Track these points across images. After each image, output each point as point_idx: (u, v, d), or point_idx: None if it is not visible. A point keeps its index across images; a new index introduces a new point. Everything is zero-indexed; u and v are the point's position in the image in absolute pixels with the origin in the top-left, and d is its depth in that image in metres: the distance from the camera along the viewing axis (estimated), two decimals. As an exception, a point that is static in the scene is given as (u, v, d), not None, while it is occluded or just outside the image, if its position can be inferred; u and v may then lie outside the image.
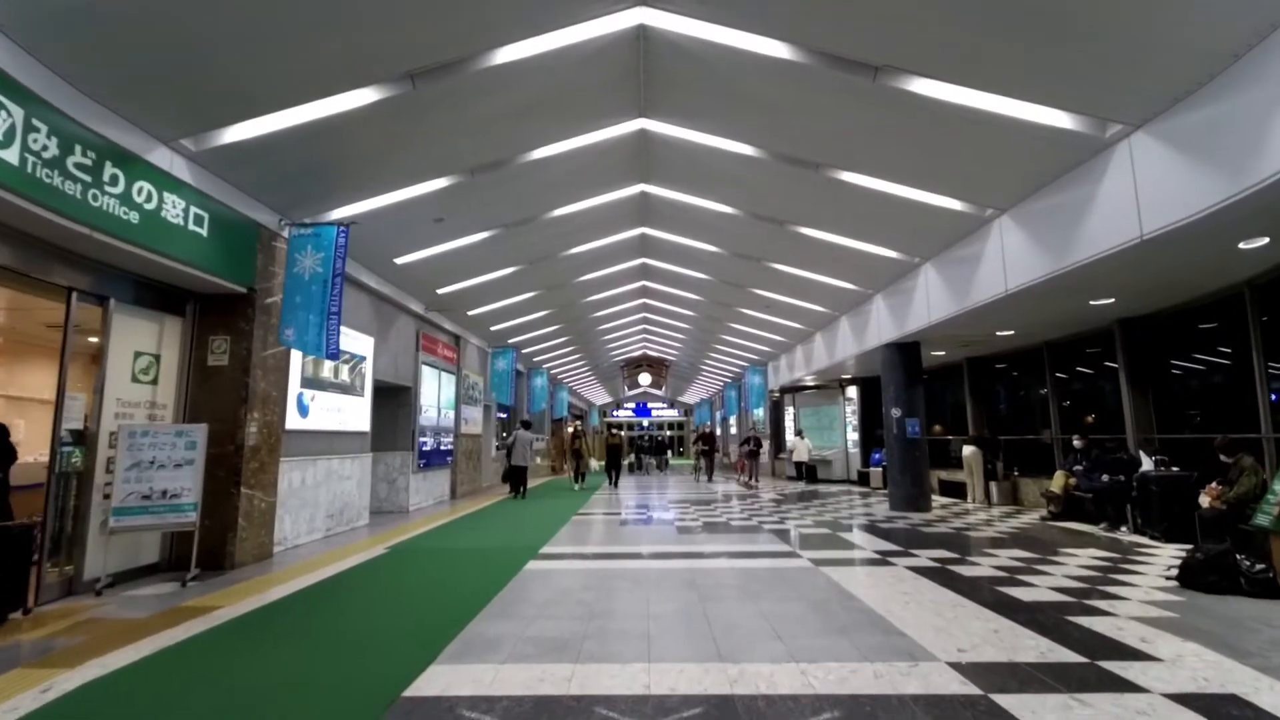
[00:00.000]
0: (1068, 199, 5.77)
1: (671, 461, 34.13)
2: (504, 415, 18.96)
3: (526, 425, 14.09)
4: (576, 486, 14.40)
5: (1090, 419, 9.71)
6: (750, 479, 15.66)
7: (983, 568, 5.59)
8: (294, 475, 7.06)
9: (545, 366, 20.98)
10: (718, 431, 29.18)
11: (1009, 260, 6.75)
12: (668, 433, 45.50)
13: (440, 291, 10.43)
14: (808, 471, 16.35)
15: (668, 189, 8.38)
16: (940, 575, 5.27)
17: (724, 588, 4.92)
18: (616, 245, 10.67)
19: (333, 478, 7.91)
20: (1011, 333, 9.42)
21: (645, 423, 45.01)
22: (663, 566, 5.80)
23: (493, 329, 13.97)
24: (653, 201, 8.91)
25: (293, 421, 7.05)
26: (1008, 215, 6.77)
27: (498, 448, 16.58)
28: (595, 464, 14.55)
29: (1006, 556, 6.09)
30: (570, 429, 15.36)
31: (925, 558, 6.05)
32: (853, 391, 16.17)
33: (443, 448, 12.10)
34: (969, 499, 11.14)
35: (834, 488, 14.86)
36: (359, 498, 8.63)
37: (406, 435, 10.65)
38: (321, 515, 7.67)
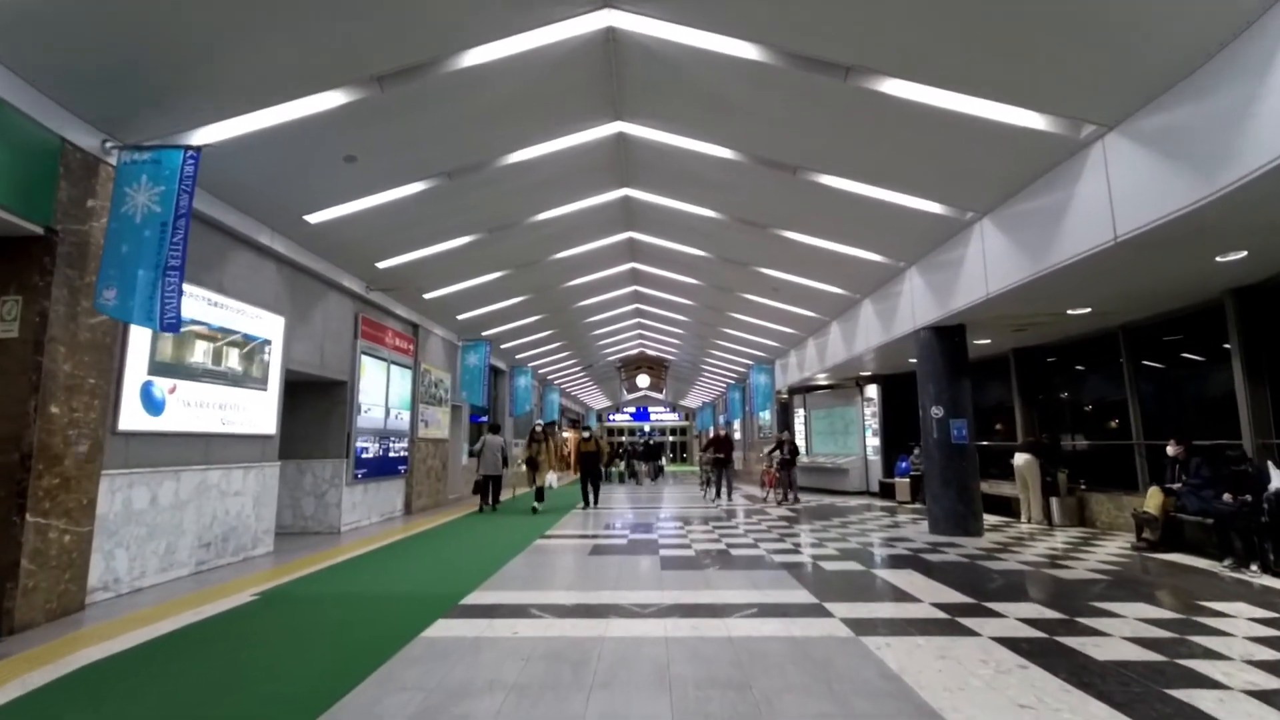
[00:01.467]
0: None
1: (669, 468, 32.04)
2: (483, 419, 17.09)
3: (495, 429, 12.32)
4: (538, 507, 10.99)
5: (1182, 426, 7.76)
6: (784, 495, 12.45)
7: (1114, 641, 3.67)
8: (135, 493, 5.20)
9: (531, 365, 19.13)
10: (735, 435, 27.08)
11: (1118, 195, 4.86)
12: (668, 438, 43.59)
13: (381, 265, 8.60)
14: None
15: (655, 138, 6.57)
16: (1056, 659, 3.36)
17: (714, 687, 3.03)
18: (596, 214, 8.84)
19: (209, 495, 6.05)
20: (1087, 310, 7.51)
21: (647, 427, 43.09)
22: (628, 634, 3.90)
23: (460, 318, 12.15)
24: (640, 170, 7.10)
25: (135, 421, 5.20)
26: (1114, 134, 4.90)
27: (470, 454, 14.71)
28: (553, 478, 11.66)
29: (1133, 617, 4.16)
30: (535, 428, 12.33)
31: (1014, 618, 4.13)
32: (872, 391, 14.25)
33: (393, 454, 10.25)
34: (1023, 517, 9.19)
35: (851, 500, 12.90)
36: (257, 519, 6.76)
37: (340, 439, 8.79)
38: (188, 545, 5.80)
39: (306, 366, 7.89)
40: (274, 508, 7.12)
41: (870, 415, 14.22)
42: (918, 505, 11.60)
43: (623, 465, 20.93)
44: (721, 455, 13.54)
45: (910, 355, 11.25)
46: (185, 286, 5.61)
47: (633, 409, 41.82)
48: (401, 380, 10.69)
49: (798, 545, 7.23)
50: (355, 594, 5.02)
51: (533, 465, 11.53)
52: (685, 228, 9.35)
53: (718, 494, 13.47)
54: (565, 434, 34.84)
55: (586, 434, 12.13)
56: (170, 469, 5.57)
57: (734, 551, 6.86)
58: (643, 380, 31.21)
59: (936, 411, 8.10)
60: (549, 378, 22.95)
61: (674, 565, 6.08)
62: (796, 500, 12.35)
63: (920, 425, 8.44)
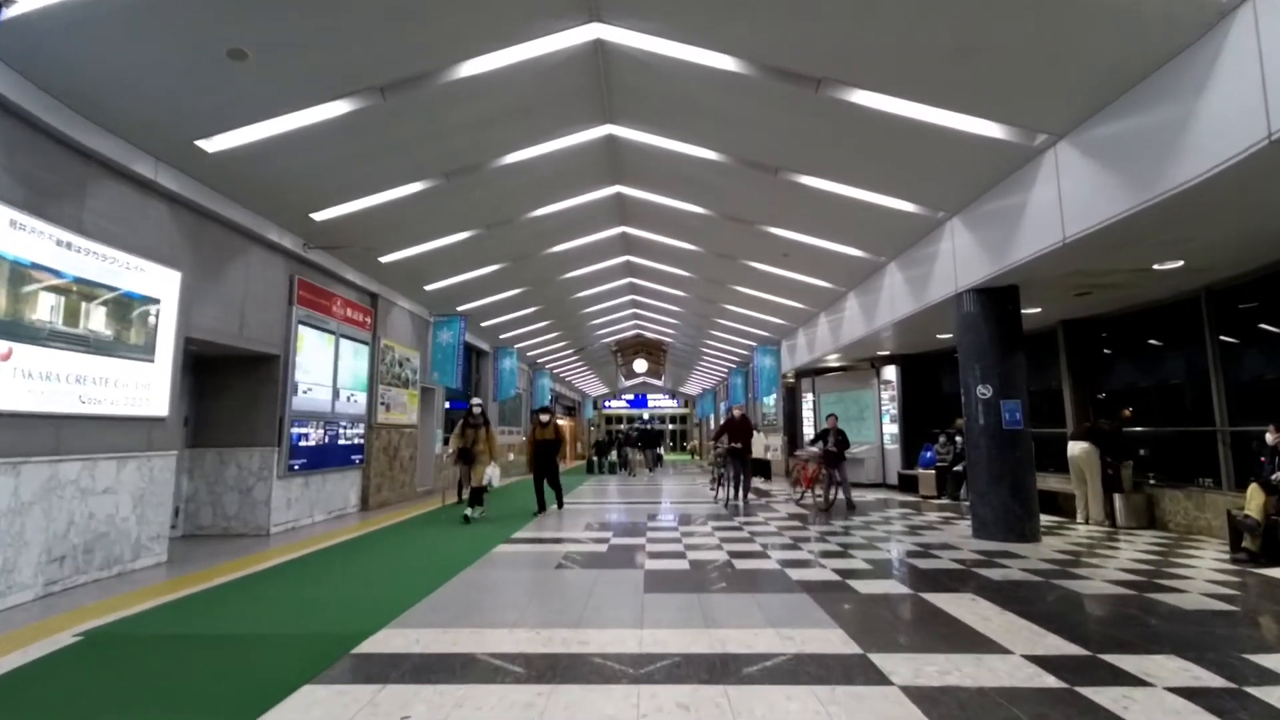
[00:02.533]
0: None
1: (668, 457, 30.42)
2: (461, 404, 15.69)
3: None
4: (473, 514, 8.20)
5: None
6: (827, 498, 9.39)
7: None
8: (-77, 494, 3.83)
9: (517, 347, 17.73)
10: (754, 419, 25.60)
11: (1272, 84, 3.44)
12: (667, 425, 42.30)
13: (319, 218, 7.18)
14: (758, 470, 15.80)
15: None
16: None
17: None
18: (581, 166, 7.39)
19: (62, 494, 4.68)
20: (1178, 264, 6.08)
21: (645, 415, 41.78)
22: (576, 709, 2.53)
23: (429, 289, 10.73)
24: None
25: (-79, 394, 3.81)
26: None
27: (445, 441, 13.36)
28: (492, 473, 8.76)
29: (1340, 686, 2.78)
30: (472, 407, 8.93)
31: (1163, 687, 2.75)
32: (890, 372, 12.84)
33: (344, 442, 8.88)
34: (1079, 516, 7.82)
35: (866, 494, 11.54)
36: (139, 523, 5.39)
37: (270, 425, 7.41)
38: (32, 560, 4.44)
39: (218, 335, 6.49)
40: (168, 508, 5.75)
41: (888, 399, 12.83)
42: (945, 501, 10.22)
43: (614, 454, 19.41)
44: (739, 445, 9.99)
45: (939, 330, 9.86)
46: (21, 216, 4.23)
47: (631, 396, 40.48)
48: (356, 357, 9.30)
49: (816, 554, 5.86)
50: (214, 635, 3.65)
51: (465, 459, 8.58)
52: (682, 180, 7.93)
53: (735, 493, 9.95)
54: (560, 421, 33.60)
55: (545, 417, 9.12)
56: (2, 461, 4.21)
57: (739, 564, 5.48)
58: (640, 365, 29.81)
59: (984, 391, 6.69)
60: (539, 361, 21.56)
61: (662, 585, 4.71)
62: (851, 507, 9.28)
63: (963, 409, 7.03)
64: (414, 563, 5.64)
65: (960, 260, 6.95)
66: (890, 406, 12.76)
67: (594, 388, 37.50)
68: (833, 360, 13.85)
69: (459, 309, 12.36)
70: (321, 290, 8.34)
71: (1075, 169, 5.10)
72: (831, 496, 9.45)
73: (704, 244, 10.41)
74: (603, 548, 6.30)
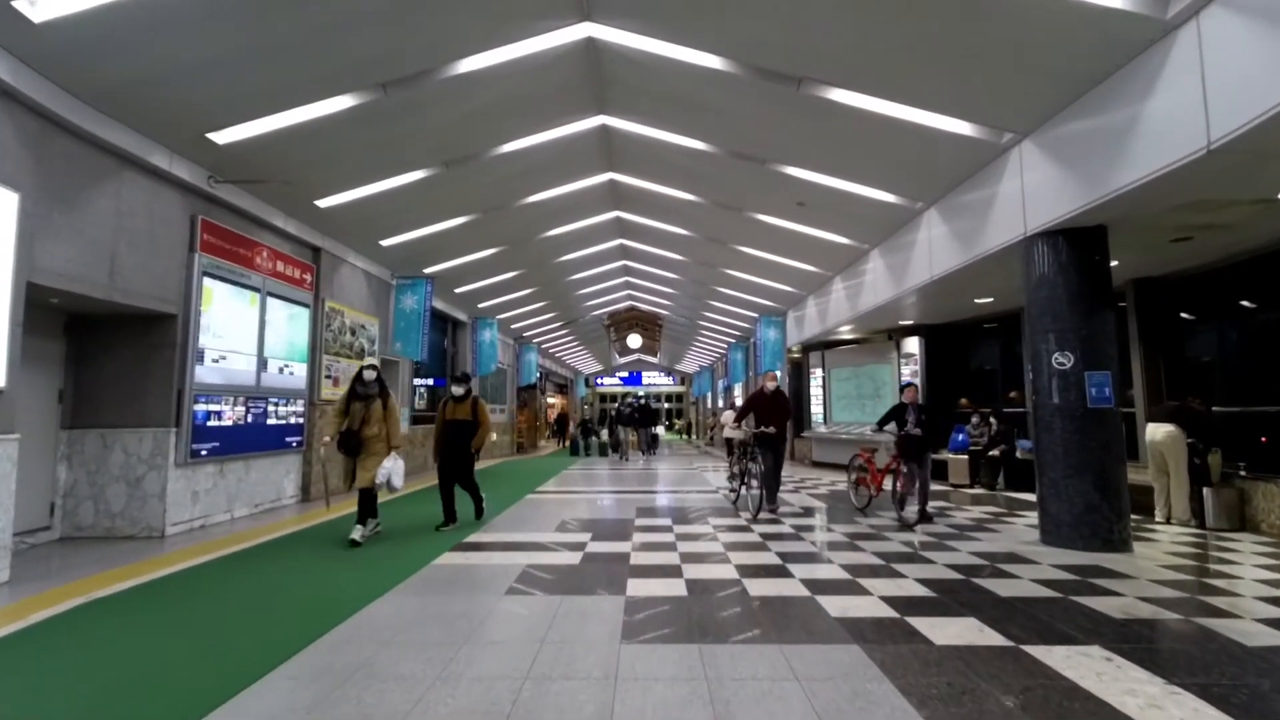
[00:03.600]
0: None
1: (665, 436, 28.84)
2: (438, 382, 14.25)
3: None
4: (360, 535, 5.46)
5: None
6: (913, 504, 6.58)
7: None
8: None
9: (500, 318, 16.24)
10: (736, 403, 23.89)
11: None
12: (663, 404, 41.05)
13: (220, 139, 5.65)
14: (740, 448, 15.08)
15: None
16: None
17: None
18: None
19: None
20: (1338, 191, 4.65)
21: (640, 392, 40.46)
22: None
23: (386, 245, 9.21)
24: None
25: None
26: None
27: (412, 421, 11.94)
28: (390, 470, 5.56)
29: None
30: (361, 372, 5.86)
31: None
32: (912, 344, 11.42)
33: (275, 422, 7.45)
34: (1158, 513, 6.49)
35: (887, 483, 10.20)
36: (-61, 531, 3.97)
37: (165, 400, 5.97)
38: None
39: (78, 283, 5.00)
40: (8, 509, 4.32)
41: (909, 375, 11.44)
42: (979, 491, 8.88)
43: (605, 434, 17.69)
44: (772, 430, 7.02)
45: (980, 291, 8.42)
46: None
47: (625, 373, 39.11)
48: (292, 322, 7.82)
49: (849, 568, 4.50)
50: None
51: (350, 444, 5.58)
52: (683, 108, 6.45)
53: (765, 501, 6.84)
54: (551, 400, 32.15)
55: (458, 390, 6.24)
56: None
57: (753, 586, 4.10)
58: (634, 341, 28.37)
59: (1062, 361, 5.28)
60: (525, 335, 20.08)
61: (649, 626, 3.33)
62: (926, 518, 6.41)
63: (1031, 382, 5.62)
64: (322, 584, 4.25)
65: (1032, 197, 5.48)
66: (913, 382, 11.36)
67: (587, 365, 36.08)
68: (845, 332, 12.44)
69: (426, 271, 10.85)
70: (239, 237, 6.83)
71: (1231, 39, 3.62)
72: (921, 506, 6.48)
73: (706, 193, 8.91)
74: (575, 557, 4.92)
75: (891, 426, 6.71)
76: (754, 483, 6.99)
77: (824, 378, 13.84)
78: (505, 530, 6.09)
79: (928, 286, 7.73)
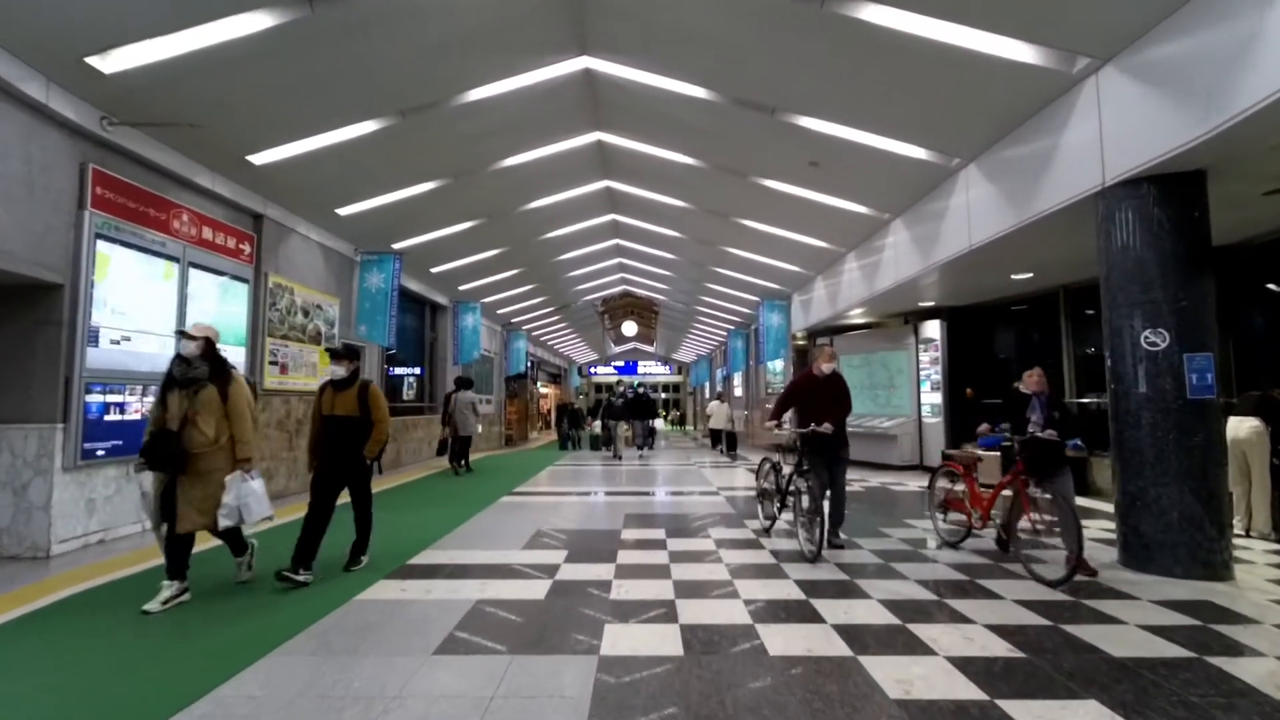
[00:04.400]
0: None
1: (663, 428, 27.71)
2: (419, 370, 13.18)
3: (466, 384, 11.05)
4: (160, 600, 3.48)
5: None
6: (1064, 544, 4.10)
7: None
8: None
9: (484, 302, 15.14)
10: (735, 392, 22.67)
11: None
12: (660, 394, 40.04)
13: (107, 69, 4.54)
14: (728, 440, 14.55)
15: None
16: None
17: None
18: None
19: None
20: None
21: (634, 380, 39.45)
22: None
23: (345, 213, 8.11)
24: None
25: None
26: None
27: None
28: (246, 495, 3.63)
29: None
30: (186, 336, 3.73)
31: None
32: (933, 328, 10.37)
33: (204, 415, 6.36)
34: (1237, 524, 5.47)
35: (907, 482, 9.20)
36: None
37: (50, 389, 4.89)
38: None
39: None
40: None
41: (928, 362, 10.41)
42: (1116, 511, 7.87)
43: (597, 427, 15.98)
44: (828, 429, 4.80)
45: (1021, 265, 7.33)
46: None
47: (621, 362, 38.06)
48: (225, 298, 6.73)
49: (892, 607, 3.47)
50: None
51: (162, 454, 3.55)
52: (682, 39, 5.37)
53: (824, 537, 4.64)
54: (544, 390, 31.03)
55: (340, 369, 4.32)
56: None
57: (770, 636, 3.07)
58: (629, 328, 27.31)
59: (1153, 340, 4.24)
60: (514, 321, 18.99)
61: (628, 710, 2.29)
62: (1086, 570, 4.09)
63: (1111, 367, 4.57)
64: (169, 642, 3.20)
65: (1114, 138, 4.42)
66: (931, 371, 10.34)
67: (581, 354, 35.02)
68: (857, 316, 11.39)
69: (394, 246, 9.75)
70: (148, 195, 5.72)
71: None
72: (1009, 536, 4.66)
73: (707, 154, 7.82)
74: (542, 588, 3.88)
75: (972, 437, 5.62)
76: (802, 508, 4.72)
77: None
78: (465, 546, 5.05)
79: (962, 259, 6.68)
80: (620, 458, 13.46)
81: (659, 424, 18.17)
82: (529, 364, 25.11)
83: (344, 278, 9.35)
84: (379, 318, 9.53)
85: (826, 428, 4.75)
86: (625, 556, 4.64)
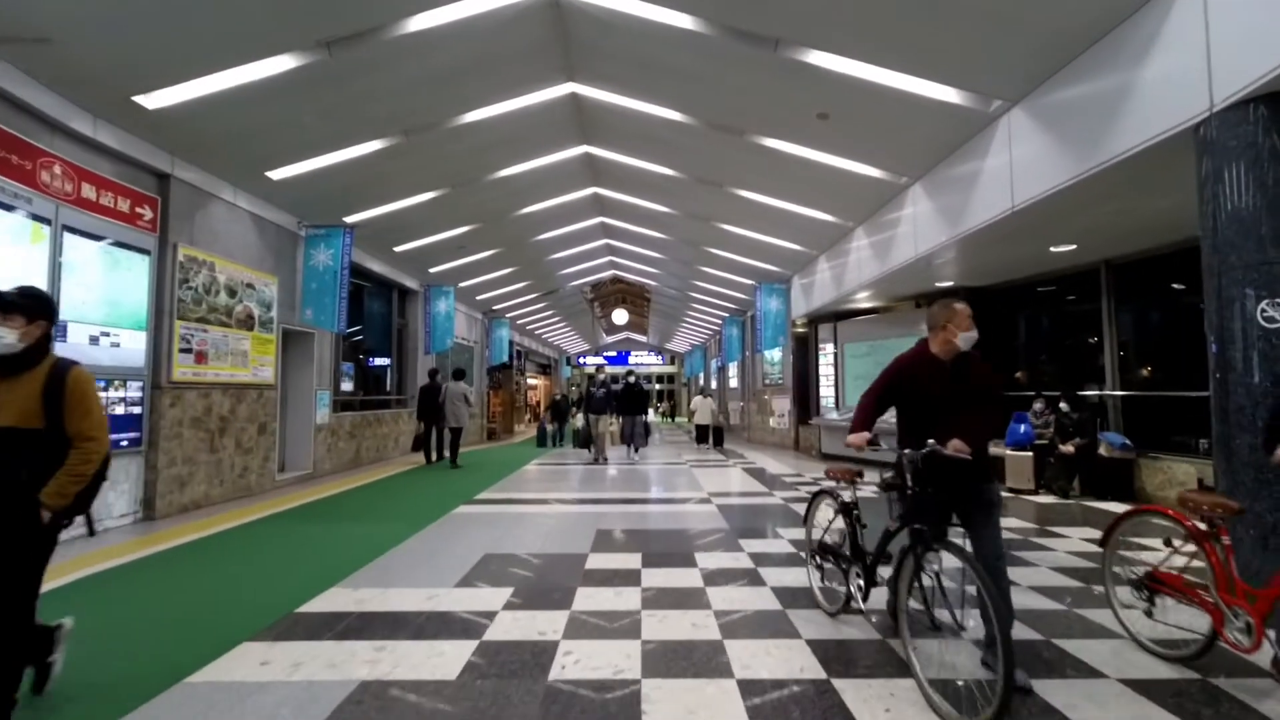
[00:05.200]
0: None
1: (658, 420, 26.27)
2: (383, 362, 12.07)
3: (459, 375, 10.94)
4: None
5: None
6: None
7: None
8: None
9: (462, 287, 14.03)
10: (732, 383, 20.83)
11: None
12: (654, 385, 39.04)
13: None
14: (715, 435, 14.20)
15: None
16: None
17: None
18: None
19: None
20: None
21: (624, 370, 38.33)
22: None
23: (275, 177, 6.98)
24: None
25: None
26: None
27: (354, 403, 9.79)
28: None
29: None
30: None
31: None
32: (949, 313, 9.31)
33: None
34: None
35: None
36: None
37: None
38: None
39: None
40: None
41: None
42: (1052, 500, 6.83)
43: (579, 421, 13.45)
44: (964, 452, 2.53)
45: (1063, 236, 6.25)
46: None
47: (613, 353, 36.99)
48: (115, 270, 5.61)
49: (943, 666, 2.42)
50: None
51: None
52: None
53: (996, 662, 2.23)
54: (533, 381, 29.89)
55: (8, 339, 2.22)
56: None
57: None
58: (620, 316, 26.24)
59: (1273, 315, 3.19)
60: (495, 308, 17.88)
61: None
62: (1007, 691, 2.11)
63: (1213, 354, 3.52)
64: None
65: (1223, 50, 3.35)
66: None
67: (573, 344, 33.92)
68: (863, 299, 10.33)
69: (346, 220, 8.62)
70: (3, 135, 4.59)
71: None
72: None
73: (699, 110, 6.71)
74: (461, 656, 2.82)
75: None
76: (905, 587, 2.61)
77: (835, 354, 11.77)
78: (386, 581, 3.98)
79: (998, 227, 5.62)
80: (603, 461, 10.99)
81: (652, 416, 16.24)
82: (515, 354, 24.05)
83: (285, 254, 8.22)
84: (327, 300, 8.41)
85: (958, 448, 2.54)
86: (585, 598, 3.59)
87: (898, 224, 7.60)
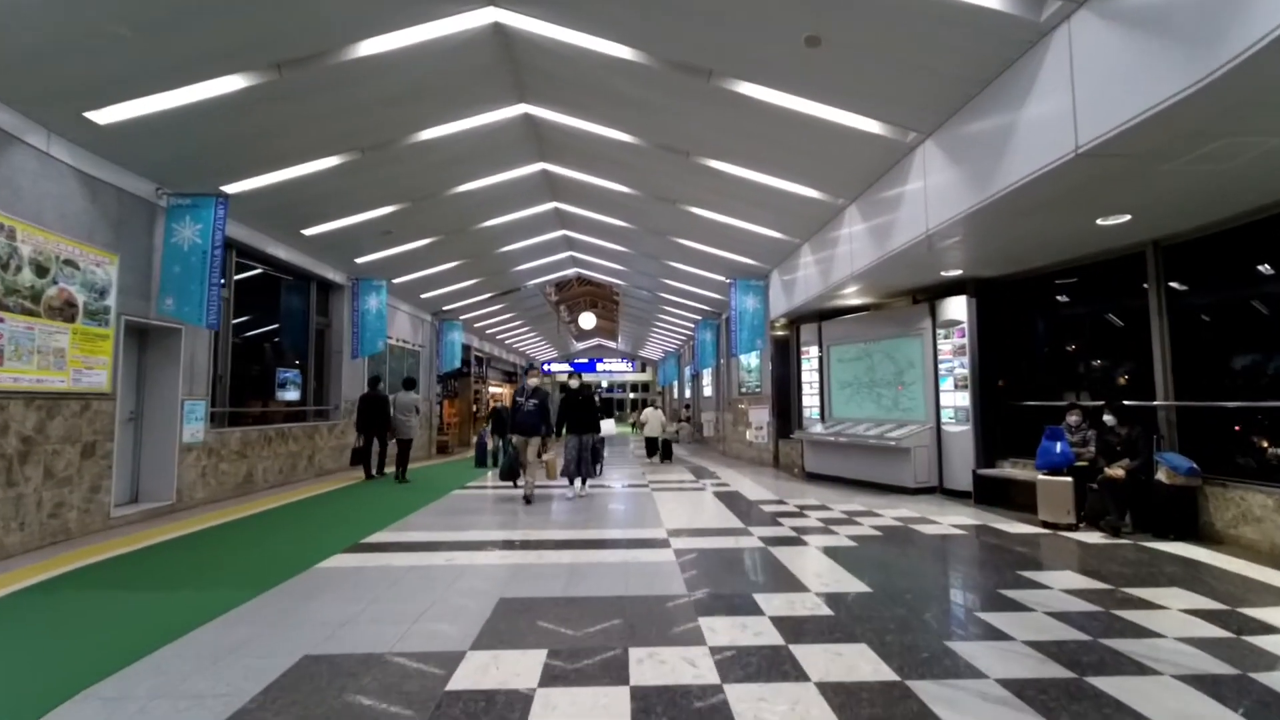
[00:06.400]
0: None
1: (619, 430, 24.12)
2: (297, 366, 10.30)
3: (410, 385, 10.59)
4: None
5: None
6: None
7: None
8: None
9: (399, 283, 12.34)
10: (706, 390, 19.04)
11: None
12: (629, 394, 37.50)
13: None
14: (664, 449, 13.21)
15: None
16: None
17: None
18: None
19: None
20: None
21: (573, 375, 36.64)
22: None
23: (100, 120, 5.28)
24: None
25: None
26: None
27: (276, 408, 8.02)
28: None
29: None
30: None
31: None
32: (956, 307, 7.91)
33: None
34: None
35: (933, 518, 6.74)
36: None
37: None
38: None
39: None
40: None
41: (951, 352, 7.96)
42: (1103, 539, 5.37)
43: (508, 444, 8.57)
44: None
45: (1116, 202, 4.80)
46: None
47: (584, 359, 35.33)
48: None
49: None
50: None
51: None
52: None
53: None
54: (496, 389, 28.04)
55: None
56: None
57: None
58: (587, 320, 24.66)
59: None
60: (445, 309, 16.17)
61: None
62: None
63: None
64: None
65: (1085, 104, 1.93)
66: (955, 363, 7.89)
67: (541, 351, 32.18)
68: (852, 294, 8.92)
69: (224, 189, 6.94)
70: None
71: None
72: None
73: (658, 52, 5.20)
74: None
75: None
76: None
77: (820, 358, 10.33)
78: (104, 714, 2.33)
79: (1042, 184, 4.21)
80: (530, 499, 7.52)
81: (610, 426, 13.26)
82: (476, 361, 22.28)
83: (134, 227, 6.49)
84: (193, 287, 6.69)
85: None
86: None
87: (901, 197, 6.17)
